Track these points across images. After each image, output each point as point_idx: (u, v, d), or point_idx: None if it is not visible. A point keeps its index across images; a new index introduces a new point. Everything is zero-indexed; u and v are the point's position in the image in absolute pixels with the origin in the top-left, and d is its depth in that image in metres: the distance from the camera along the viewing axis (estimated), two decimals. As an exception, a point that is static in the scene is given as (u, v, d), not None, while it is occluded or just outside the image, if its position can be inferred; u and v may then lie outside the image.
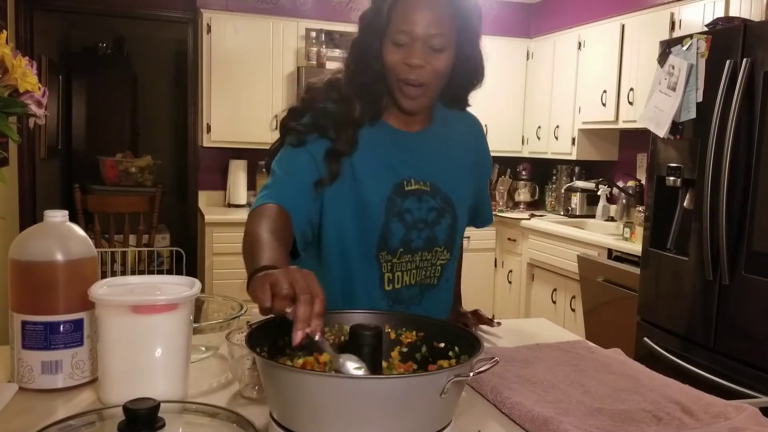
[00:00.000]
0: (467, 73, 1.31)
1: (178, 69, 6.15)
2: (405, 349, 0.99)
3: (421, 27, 1.18)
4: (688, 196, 2.60)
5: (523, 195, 4.93)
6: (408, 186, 1.29)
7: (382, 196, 1.27)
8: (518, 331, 1.53)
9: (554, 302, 3.99)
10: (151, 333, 1.00)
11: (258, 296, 0.81)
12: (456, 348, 0.94)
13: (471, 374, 0.80)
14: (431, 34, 1.19)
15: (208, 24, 4.23)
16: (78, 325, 1.07)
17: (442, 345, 0.96)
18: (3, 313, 1.17)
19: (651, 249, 2.75)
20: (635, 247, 3.13)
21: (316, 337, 0.79)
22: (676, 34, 3.26)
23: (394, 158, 1.30)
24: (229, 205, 4.51)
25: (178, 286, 1.07)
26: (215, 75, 4.24)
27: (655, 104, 2.65)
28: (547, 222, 4.21)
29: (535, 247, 4.16)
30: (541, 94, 4.61)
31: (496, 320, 1.52)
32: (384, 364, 0.93)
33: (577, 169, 4.59)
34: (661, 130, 2.61)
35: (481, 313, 1.53)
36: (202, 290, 1.10)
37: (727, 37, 2.38)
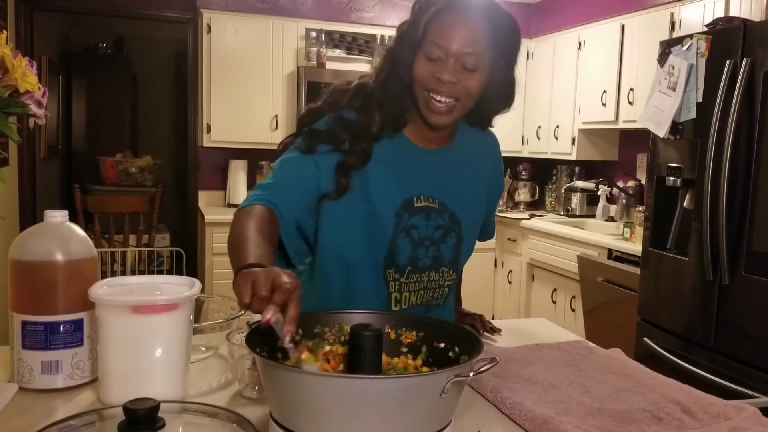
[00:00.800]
0: (497, 97, 1.29)
1: (178, 69, 6.16)
2: (405, 349, 0.99)
3: (457, 44, 1.16)
4: (688, 196, 2.60)
5: (523, 195, 4.93)
6: (417, 202, 1.27)
7: (392, 210, 1.25)
8: (518, 331, 1.53)
9: (554, 302, 3.99)
10: (151, 333, 1.00)
11: (239, 291, 0.84)
12: (456, 348, 0.94)
13: (471, 374, 0.80)
14: (466, 52, 1.17)
15: (208, 24, 4.22)
16: (78, 325, 1.07)
17: (442, 345, 0.96)
18: (3, 313, 1.17)
19: (651, 249, 2.75)
20: (635, 247, 3.13)
21: (285, 342, 0.81)
22: (676, 34, 3.26)
23: (407, 173, 1.28)
24: (229, 205, 4.51)
25: (178, 286, 1.07)
26: (215, 75, 4.24)
27: (655, 104, 2.65)
28: (547, 222, 4.21)
29: (535, 247, 4.16)
30: (541, 94, 4.61)
31: (497, 329, 1.52)
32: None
33: (577, 169, 4.59)
34: (661, 130, 2.61)
35: (485, 320, 1.53)
36: (202, 290, 1.10)
37: (727, 37, 2.38)
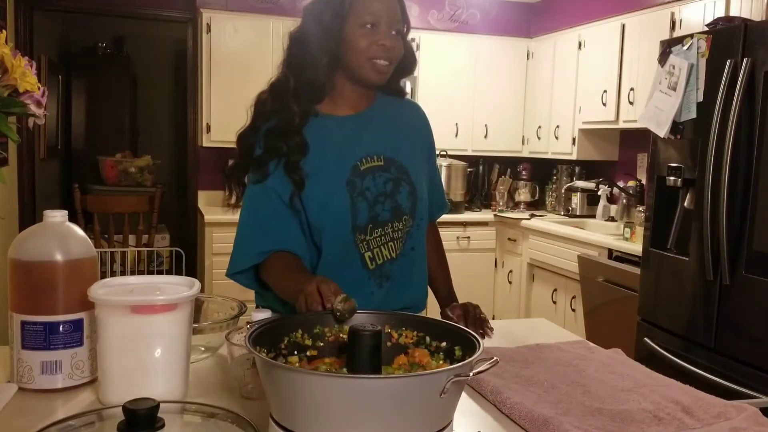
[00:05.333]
0: (406, 60, 1.40)
1: (178, 69, 6.15)
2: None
3: (386, 13, 1.31)
4: (688, 196, 2.60)
5: (523, 195, 4.93)
6: (362, 165, 1.37)
7: (343, 180, 1.34)
8: (518, 332, 1.53)
9: (554, 302, 3.99)
10: (151, 333, 1.00)
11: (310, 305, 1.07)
12: (455, 348, 0.94)
13: (471, 374, 0.79)
14: (395, 19, 1.32)
15: (207, 24, 4.22)
16: (77, 325, 1.07)
17: (443, 345, 0.96)
18: (3, 313, 1.17)
19: (651, 249, 2.75)
20: (636, 247, 3.13)
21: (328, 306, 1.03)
22: (677, 33, 3.26)
23: (346, 142, 1.37)
24: (229, 205, 4.49)
25: (178, 286, 1.07)
26: (215, 75, 4.24)
27: (655, 104, 2.65)
28: (548, 222, 4.21)
29: (535, 247, 4.16)
30: (541, 94, 4.61)
31: (490, 326, 1.48)
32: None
33: (577, 169, 4.59)
34: (662, 130, 2.61)
35: (480, 311, 1.49)
36: (202, 290, 1.11)
37: (727, 36, 2.38)
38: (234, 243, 1.38)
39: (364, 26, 1.30)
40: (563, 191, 4.52)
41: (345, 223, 1.34)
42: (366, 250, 1.36)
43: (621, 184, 4.06)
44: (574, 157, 4.28)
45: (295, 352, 0.94)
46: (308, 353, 0.96)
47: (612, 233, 3.71)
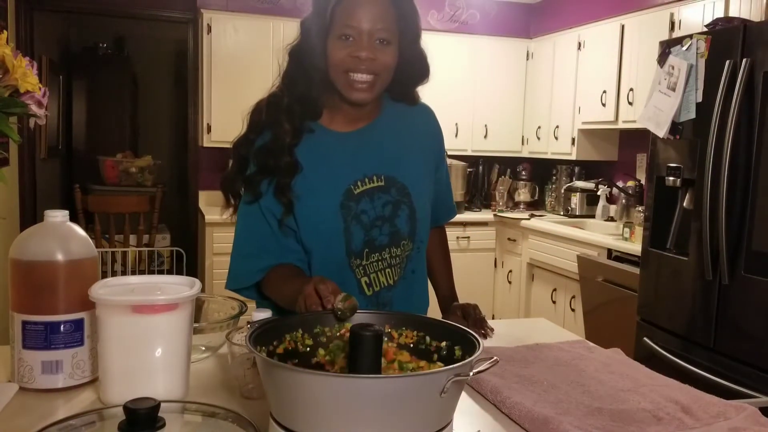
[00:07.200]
0: (413, 69, 1.33)
1: (178, 69, 6.15)
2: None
3: (367, 22, 1.21)
4: (687, 196, 2.60)
5: (523, 195, 4.93)
6: (356, 189, 1.31)
7: (335, 205, 1.29)
8: (518, 331, 1.53)
9: (554, 302, 3.99)
10: (151, 333, 1.00)
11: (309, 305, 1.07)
12: (455, 348, 0.94)
13: (471, 374, 0.80)
14: (377, 27, 1.22)
15: (208, 24, 4.23)
16: (78, 325, 1.08)
17: (443, 345, 0.96)
18: (3, 313, 1.17)
19: (651, 249, 2.76)
20: (635, 247, 3.13)
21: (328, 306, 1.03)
22: (676, 34, 3.26)
23: (342, 163, 1.32)
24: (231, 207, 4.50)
25: (179, 286, 1.07)
26: (215, 75, 4.24)
27: (654, 104, 2.65)
28: (547, 222, 4.21)
29: (535, 247, 4.17)
30: (541, 94, 4.61)
31: (489, 326, 1.49)
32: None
33: (576, 169, 4.59)
34: (661, 130, 2.61)
35: (479, 311, 1.50)
36: (203, 290, 1.11)
37: (726, 37, 2.38)
38: (231, 258, 1.35)
39: (342, 38, 1.22)
40: (563, 191, 4.52)
41: (338, 247, 1.29)
42: (362, 275, 1.32)
43: (620, 184, 4.06)
44: (573, 157, 4.29)
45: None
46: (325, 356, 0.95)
47: (611, 233, 3.71)
